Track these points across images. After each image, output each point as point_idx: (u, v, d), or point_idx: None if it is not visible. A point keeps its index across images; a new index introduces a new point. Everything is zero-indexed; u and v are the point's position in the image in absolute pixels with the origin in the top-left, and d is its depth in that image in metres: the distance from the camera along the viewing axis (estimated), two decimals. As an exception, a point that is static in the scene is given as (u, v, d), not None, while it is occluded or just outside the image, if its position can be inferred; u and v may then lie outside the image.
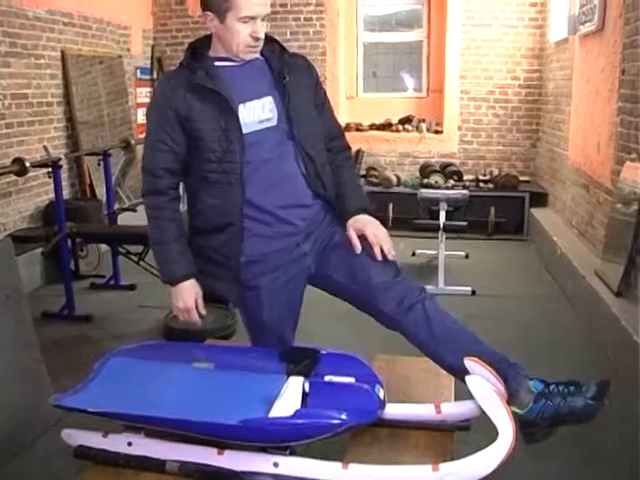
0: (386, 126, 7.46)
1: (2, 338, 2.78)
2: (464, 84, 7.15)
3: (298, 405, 1.77)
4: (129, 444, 1.85)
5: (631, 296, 3.65)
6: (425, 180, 6.83)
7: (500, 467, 1.69)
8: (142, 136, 6.49)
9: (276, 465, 1.74)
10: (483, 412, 1.80)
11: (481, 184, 6.85)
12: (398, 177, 6.97)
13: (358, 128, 7.42)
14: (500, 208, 6.64)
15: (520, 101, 7.10)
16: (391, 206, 6.68)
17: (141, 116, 7.11)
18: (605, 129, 4.45)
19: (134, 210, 5.46)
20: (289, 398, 1.79)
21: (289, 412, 1.72)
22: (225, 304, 3.60)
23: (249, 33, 1.93)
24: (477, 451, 1.71)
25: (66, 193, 5.46)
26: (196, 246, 2.07)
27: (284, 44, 2.14)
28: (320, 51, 7.31)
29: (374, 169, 7.20)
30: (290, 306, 2.13)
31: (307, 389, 1.84)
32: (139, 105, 7.15)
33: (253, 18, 1.91)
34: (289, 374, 1.94)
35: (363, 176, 7.12)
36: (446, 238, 5.12)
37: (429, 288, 3.84)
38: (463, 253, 5.75)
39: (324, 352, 2.01)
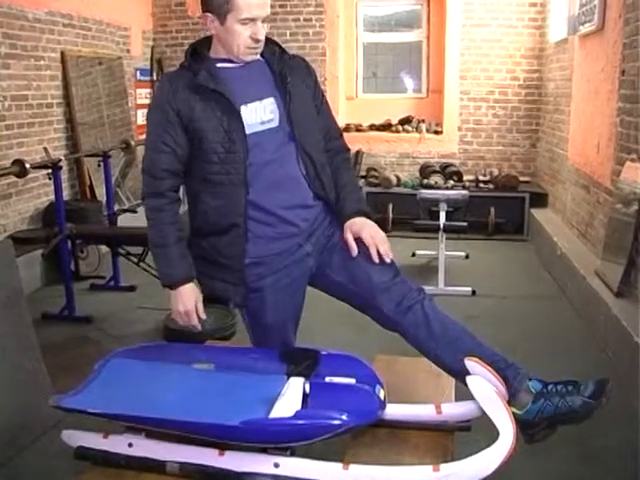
0: (386, 127, 7.46)
1: (2, 339, 2.78)
2: (464, 84, 7.16)
3: (298, 406, 1.77)
4: (129, 445, 1.85)
5: (631, 296, 3.65)
6: (425, 181, 6.83)
7: (501, 467, 1.69)
8: (142, 137, 6.52)
9: (277, 466, 1.73)
10: (484, 412, 1.80)
11: (481, 184, 6.86)
12: (398, 178, 6.97)
13: (358, 129, 7.42)
14: (500, 208, 6.64)
15: (520, 101, 7.10)
16: (391, 207, 6.68)
17: (141, 117, 7.11)
18: (605, 129, 4.45)
19: (134, 211, 5.47)
20: (289, 399, 1.78)
21: (290, 413, 1.72)
22: (225, 304, 3.60)
23: (249, 35, 1.93)
24: (478, 451, 1.71)
25: (66, 194, 5.46)
26: (197, 248, 2.06)
27: (284, 45, 2.14)
28: (320, 52, 7.31)
29: (374, 170, 7.20)
30: (293, 307, 2.13)
31: (307, 390, 1.84)
32: (139, 106, 7.15)
33: (253, 20, 1.91)
34: (289, 375, 1.94)
35: (363, 176, 7.12)
36: (446, 238, 5.12)
37: (429, 289, 3.84)
38: (463, 253, 5.76)
39: (324, 353, 2.01)
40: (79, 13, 5.95)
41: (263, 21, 1.94)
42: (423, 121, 7.38)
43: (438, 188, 6.48)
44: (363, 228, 2.05)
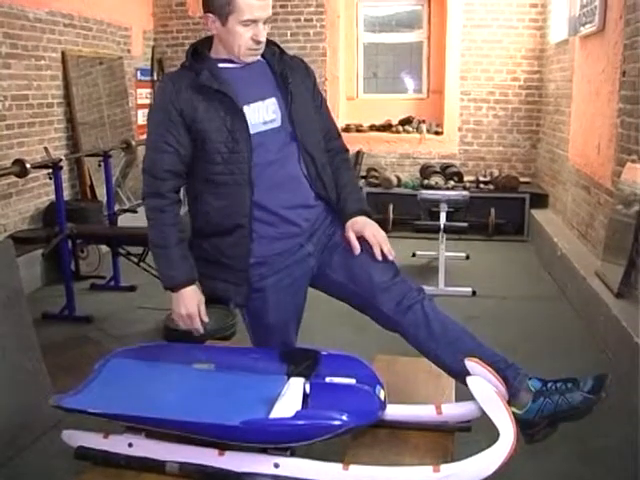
0: (386, 127, 7.46)
1: (2, 339, 2.78)
2: (464, 85, 7.16)
3: (299, 406, 1.76)
4: (129, 445, 1.84)
5: (631, 297, 3.65)
6: (425, 181, 6.83)
7: (501, 468, 1.69)
8: (142, 137, 6.52)
9: (277, 466, 1.73)
10: (484, 413, 1.80)
11: (481, 185, 6.85)
12: (398, 178, 6.97)
13: (358, 129, 7.42)
14: (500, 209, 6.64)
15: (520, 102, 7.10)
16: (391, 207, 6.68)
17: (141, 117, 7.11)
18: (605, 130, 4.45)
19: (134, 211, 5.47)
20: (290, 399, 1.78)
21: (290, 413, 1.72)
22: (226, 305, 3.60)
23: (250, 36, 1.93)
24: (478, 452, 1.71)
25: (66, 194, 5.46)
26: (199, 249, 2.04)
27: (284, 45, 2.15)
28: (320, 52, 7.31)
29: (374, 170, 7.19)
30: (294, 307, 2.13)
31: (308, 390, 1.84)
32: (139, 106, 7.15)
33: (255, 21, 1.91)
34: (290, 375, 1.94)
35: (363, 177, 7.12)
36: (446, 239, 5.12)
37: (429, 289, 3.84)
38: (463, 254, 5.76)
39: (324, 353, 2.01)
40: (80, 13, 5.95)
41: (264, 22, 1.94)
42: (423, 122, 7.38)
43: (438, 189, 6.48)
44: (365, 227, 2.06)
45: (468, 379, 1.82)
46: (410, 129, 7.36)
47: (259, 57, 2.02)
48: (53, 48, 5.58)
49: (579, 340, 3.95)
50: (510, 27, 6.95)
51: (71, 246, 4.73)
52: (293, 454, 1.77)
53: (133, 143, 5.79)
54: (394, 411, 1.96)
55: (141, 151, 6.52)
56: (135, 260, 4.50)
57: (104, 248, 5.27)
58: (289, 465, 1.74)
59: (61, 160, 4.46)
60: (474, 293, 4.82)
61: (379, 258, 2.02)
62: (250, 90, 1.99)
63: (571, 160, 5.49)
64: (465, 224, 5.49)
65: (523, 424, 1.86)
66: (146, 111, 7.05)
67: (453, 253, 5.53)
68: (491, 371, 1.83)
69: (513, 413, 1.78)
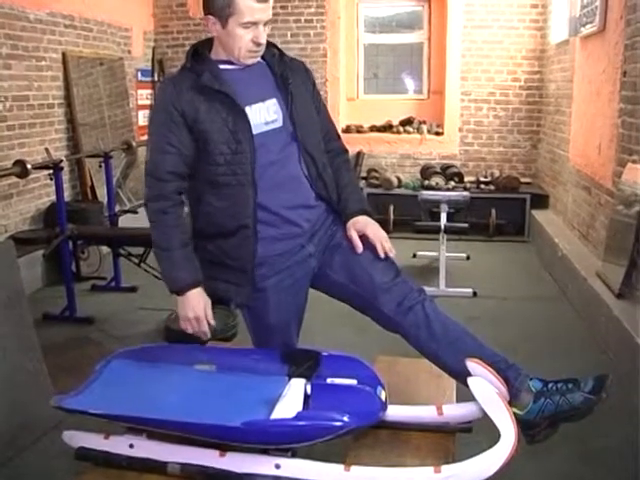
0: (387, 128, 7.46)
1: (3, 340, 2.78)
2: (465, 86, 7.16)
3: (300, 407, 1.77)
4: (131, 446, 1.84)
5: (632, 298, 3.65)
6: (426, 182, 6.83)
7: (502, 469, 1.69)
8: (143, 138, 6.52)
9: (278, 467, 1.73)
10: (485, 414, 1.80)
11: (482, 186, 6.85)
12: (399, 179, 6.97)
13: (359, 130, 7.42)
14: (501, 210, 6.64)
15: (521, 103, 7.10)
16: (392, 208, 6.68)
17: (142, 118, 7.11)
18: (606, 131, 4.45)
19: (135, 212, 5.48)
20: (291, 400, 1.78)
21: (291, 414, 1.72)
22: (227, 305, 3.60)
23: (251, 38, 1.93)
24: (479, 453, 1.71)
25: (67, 195, 5.46)
26: (202, 250, 2.03)
27: (285, 46, 2.15)
28: (321, 53, 7.31)
29: (375, 171, 7.19)
30: (296, 308, 2.13)
31: (309, 391, 1.84)
32: (140, 107, 7.15)
33: (255, 24, 1.91)
34: (291, 376, 1.94)
35: (364, 178, 7.13)
36: (447, 240, 5.12)
37: (430, 290, 3.84)
38: (464, 255, 5.76)
39: (325, 354, 2.01)
40: (80, 14, 5.95)
41: (265, 24, 1.94)
42: (424, 122, 7.38)
43: (439, 189, 6.48)
44: (367, 226, 2.07)
45: (469, 380, 1.82)
46: (411, 130, 7.36)
47: (259, 59, 2.03)
48: (54, 49, 5.58)
49: (580, 341, 3.95)
50: (511, 28, 6.95)
51: (72, 247, 4.73)
52: (294, 455, 1.77)
53: (134, 144, 5.79)
54: (395, 412, 1.96)
55: (142, 152, 6.53)
56: (136, 261, 4.50)
57: (105, 249, 5.27)
58: (290, 466, 1.74)
59: (62, 161, 4.46)
60: (475, 294, 4.82)
61: (382, 255, 2.03)
62: (251, 91, 1.99)
63: (572, 160, 5.49)
64: (466, 225, 5.50)
65: (524, 425, 1.86)
66: (147, 112, 7.07)
67: (454, 254, 5.53)
68: (492, 372, 1.83)
69: (514, 414, 1.78)
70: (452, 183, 6.79)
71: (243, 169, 1.94)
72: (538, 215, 6.36)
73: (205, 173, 1.98)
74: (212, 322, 2.02)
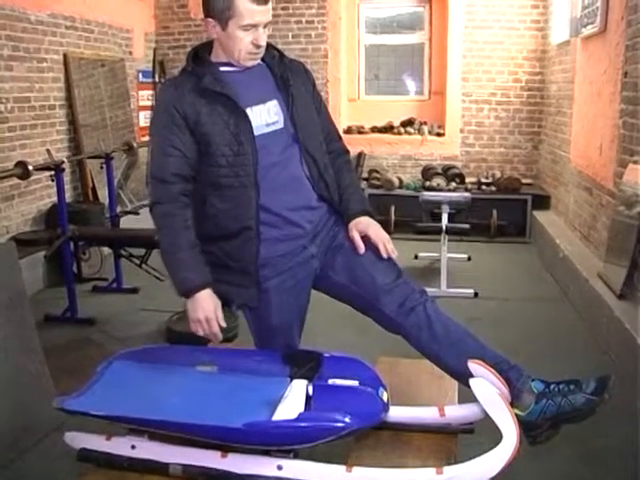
0: (388, 129, 7.46)
1: (5, 341, 2.79)
2: (466, 86, 7.15)
3: (302, 408, 1.77)
4: (132, 447, 1.85)
5: (634, 298, 3.65)
6: (427, 183, 6.82)
7: (504, 470, 1.69)
8: (144, 139, 6.53)
9: (280, 468, 1.73)
10: (487, 415, 1.80)
11: (483, 187, 6.85)
12: (400, 180, 6.97)
13: (360, 131, 7.42)
14: (502, 211, 6.63)
15: (522, 103, 7.10)
16: (393, 209, 6.68)
17: (143, 119, 7.12)
18: (607, 131, 4.45)
19: (136, 213, 5.48)
20: (293, 401, 1.78)
21: (293, 415, 1.72)
22: (228, 307, 3.60)
23: (251, 40, 1.93)
24: (481, 454, 1.72)
25: (69, 196, 5.47)
26: (206, 253, 2.00)
27: (286, 47, 2.15)
28: (322, 54, 7.31)
29: (376, 172, 7.19)
30: (298, 309, 2.13)
31: (311, 392, 1.84)
32: (141, 108, 7.16)
33: (255, 26, 1.91)
34: (292, 377, 1.94)
35: (365, 179, 7.13)
36: (448, 240, 5.11)
37: (432, 290, 3.84)
38: (465, 256, 5.75)
39: (327, 355, 2.01)
40: (81, 15, 5.96)
41: (265, 27, 1.94)
42: (425, 123, 7.38)
43: (440, 190, 6.48)
44: (369, 227, 2.08)
45: (471, 381, 1.82)
46: (412, 131, 7.36)
47: (259, 60, 2.03)
48: (55, 50, 5.59)
49: (581, 342, 3.94)
50: (511, 28, 6.94)
51: (73, 248, 4.73)
52: (296, 456, 1.78)
53: (135, 145, 5.79)
54: (397, 413, 1.96)
55: (143, 153, 6.53)
56: (137, 262, 4.50)
57: (106, 250, 5.27)
58: (292, 467, 1.74)
59: (63, 162, 4.46)
60: (476, 294, 4.82)
61: (384, 255, 2.03)
62: (251, 93, 1.99)
63: (573, 161, 5.49)
64: (467, 226, 5.49)
65: (526, 426, 1.86)
66: (148, 113, 7.07)
67: (455, 255, 5.53)
68: (494, 373, 1.83)
69: (516, 415, 1.78)
70: (453, 184, 6.78)
71: (245, 171, 1.94)
72: (539, 216, 6.36)
73: (207, 175, 1.98)
74: (223, 323, 1.99)
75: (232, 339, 3.74)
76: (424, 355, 2.03)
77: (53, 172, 4.35)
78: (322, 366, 1.97)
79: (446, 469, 1.71)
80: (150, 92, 7.33)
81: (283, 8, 7.19)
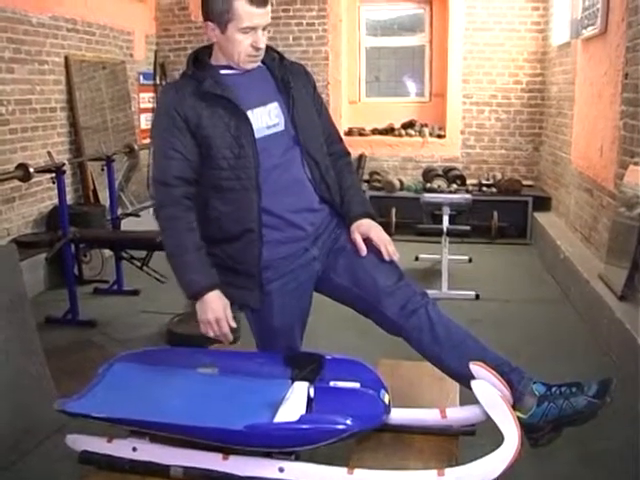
0: (389, 131, 7.46)
1: (6, 343, 2.79)
2: (466, 88, 7.16)
3: (303, 410, 1.77)
4: (134, 449, 1.85)
5: (635, 300, 3.64)
6: (428, 184, 6.83)
7: (506, 472, 1.69)
8: (145, 141, 6.53)
9: (281, 470, 1.73)
10: (488, 417, 1.80)
11: (484, 188, 6.85)
12: (401, 181, 6.97)
13: (361, 133, 7.42)
14: (503, 212, 6.63)
15: (523, 105, 7.10)
16: (394, 211, 6.68)
17: (144, 121, 7.13)
18: (608, 133, 4.45)
19: (137, 215, 5.48)
20: (294, 403, 1.79)
21: (294, 417, 1.72)
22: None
23: (250, 43, 1.93)
24: (483, 456, 1.71)
25: (69, 198, 5.46)
26: (209, 255, 2.00)
27: (287, 49, 2.16)
28: (323, 56, 7.31)
29: (377, 174, 7.20)
30: (299, 311, 2.13)
31: (312, 394, 1.84)
32: (142, 110, 7.16)
33: (254, 28, 1.91)
34: (294, 379, 1.94)
35: (366, 181, 7.13)
36: (449, 242, 5.11)
37: (433, 292, 3.84)
38: (466, 257, 5.75)
39: (329, 357, 2.01)
40: (83, 18, 5.96)
41: (264, 29, 1.94)
42: (426, 125, 7.38)
43: (441, 192, 6.47)
44: (370, 229, 2.08)
45: (472, 383, 1.82)
46: (412, 132, 7.36)
47: (259, 63, 2.03)
48: (56, 53, 5.59)
49: (582, 343, 3.94)
50: (512, 30, 6.95)
51: (74, 250, 4.73)
52: (298, 458, 1.77)
53: (136, 147, 5.80)
54: (398, 415, 1.96)
55: (144, 155, 6.54)
56: (138, 264, 4.50)
57: (107, 252, 5.27)
58: (294, 469, 1.74)
59: (64, 164, 4.47)
60: (477, 296, 4.82)
61: (387, 257, 2.03)
62: (252, 95, 1.99)
63: (574, 163, 5.49)
64: (468, 227, 5.48)
65: (527, 428, 1.86)
66: (149, 115, 7.08)
67: (456, 256, 5.53)
68: (495, 375, 1.83)
69: (517, 417, 1.78)
70: (454, 186, 6.78)
71: (247, 173, 1.94)
72: (540, 217, 6.36)
73: (209, 178, 1.98)
74: (232, 324, 1.98)
75: (233, 341, 3.74)
76: (425, 357, 2.03)
77: (54, 174, 4.35)
78: (323, 368, 1.97)
79: (447, 471, 1.71)
80: (151, 94, 7.34)
81: (284, 10, 7.20)
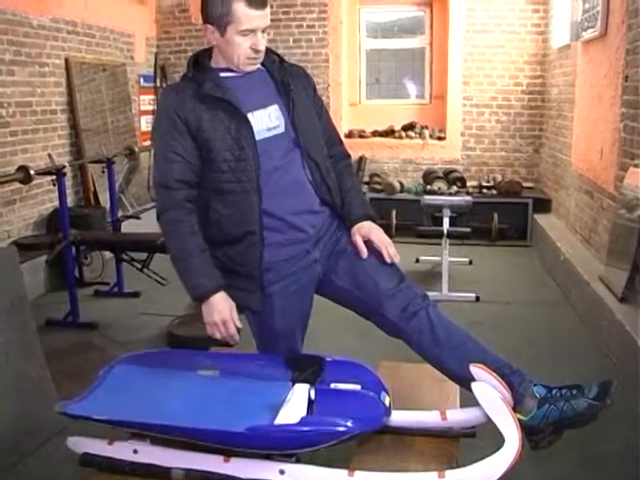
0: (389, 133, 7.47)
1: (6, 345, 2.79)
2: (467, 90, 7.16)
3: (304, 412, 1.77)
4: (134, 452, 1.85)
5: (635, 302, 3.64)
6: (428, 186, 6.83)
7: (506, 474, 1.69)
8: (146, 144, 6.54)
9: (282, 472, 1.74)
10: (489, 419, 1.80)
11: (484, 190, 6.85)
12: (401, 184, 6.97)
13: (361, 135, 7.43)
14: (503, 214, 6.63)
15: (523, 107, 7.11)
16: (394, 213, 6.69)
17: (144, 123, 7.13)
18: (608, 135, 4.46)
19: (138, 217, 5.48)
20: (295, 405, 1.79)
21: (295, 419, 1.72)
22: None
23: (249, 45, 1.93)
24: (483, 458, 1.71)
25: (70, 200, 5.47)
26: (211, 258, 2.00)
27: (287, 51, 2.16)
28: (323, 58, 7.32)
29: (377, 176, 7.20)
30: (301, 313, 2.13)
31: (313, 396, 1.84)
32: (142, 112, 7.17)
33: (253, 31, 1.91)
34: (294, 381, 1.94)
35: (366, 183, 7.13)
36: (450, 244, 5.12)
37: (433, 294, 3.84)
38: (467, 259, 5.75)
39: (329, 359, 2.02)
40: (83, 20, 5.97)
41: (263, 31, 1.94)
42: (426, 127, 7.38)
43: (441, 194, 6.47)
44: (371, 231, 2.08)
45: (473, 385, 1.82)
46: (413, 135, 7.37)
47: (259, 65, 2.03)
48: (57, 55, 5.60)
49: (583, 345, 3.94)
50: (512, 32, 6.95)
51: (75, 252, 4.73)
52: (298, 460, 1.77)
53: (136, 149, 5.80)
54: (399, 417, 1.96)
55: (144, 157, 6.55)
56: (139, 266, 4.50)
57: (107, 254, 5.28)
58: (294, 471, 1.74)
59: (65, 167, 4.47)
60: (477, 298, 4.82)
61: (388, 260, 2.04)
62: (252, 98, 2.00)
63: (574, 165, 5.49)
64: (468, 229, 5.49)
65: (528, 430, 1.86)
66: (149, 117, 7.08)
67: (456, 258, 5.53)
68: (496, 377, 1.83)
69: (518, 419, 1.78)
70: (454, 188, 6.78)
71: (247, 176, 1.94)
72: (540, 219, 6.36)
73: (210, 181, 1.98)
74: (239, 324, 1.98)
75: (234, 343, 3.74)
76: (426, 359, 2.03)
77: (54, 176, 4.35)
78: (324, 370, 1.97)
79: (448, 473, 1.71)
80: (151, 97, 7.34)
81: (284, 12, 7.21)
